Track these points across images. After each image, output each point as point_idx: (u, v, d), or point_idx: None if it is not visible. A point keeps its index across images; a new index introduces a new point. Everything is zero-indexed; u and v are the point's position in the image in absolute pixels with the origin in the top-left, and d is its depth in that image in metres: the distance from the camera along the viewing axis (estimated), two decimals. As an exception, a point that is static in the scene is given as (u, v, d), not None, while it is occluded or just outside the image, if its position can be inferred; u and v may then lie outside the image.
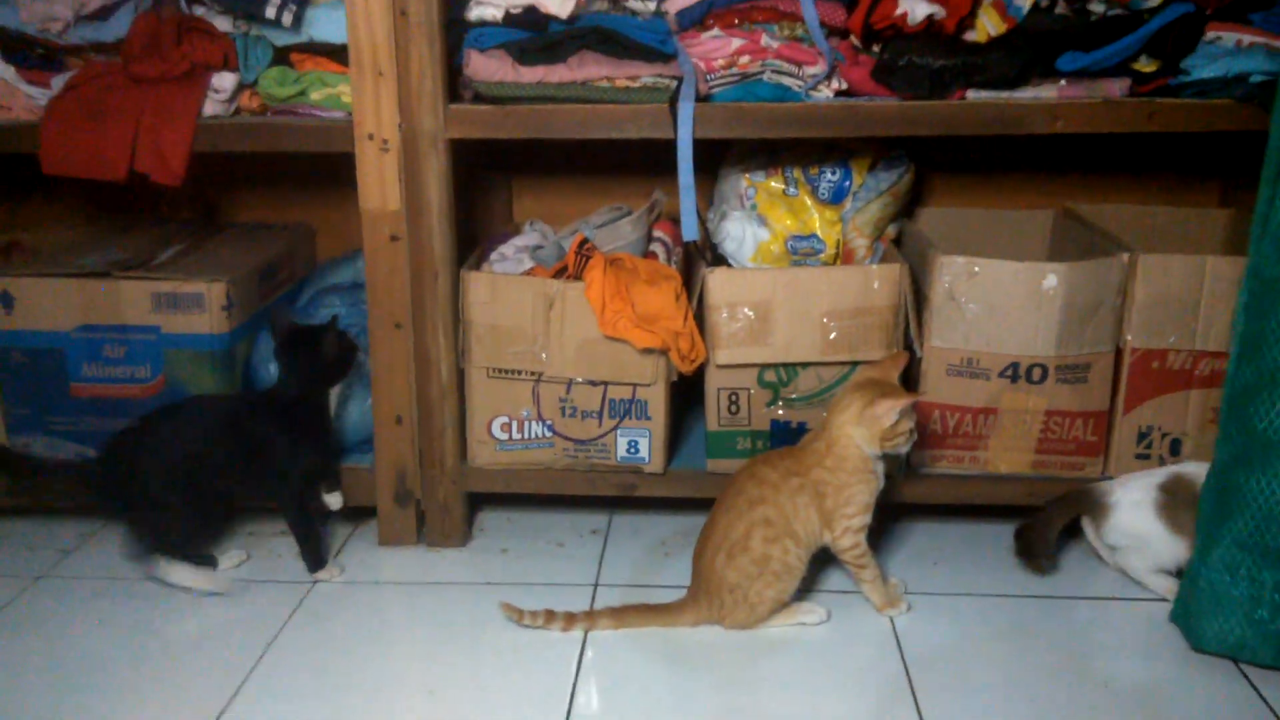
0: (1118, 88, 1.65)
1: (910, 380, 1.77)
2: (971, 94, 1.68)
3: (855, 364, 1.73)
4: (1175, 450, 1.74)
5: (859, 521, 1.55)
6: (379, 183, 1.71)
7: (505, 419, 1.79)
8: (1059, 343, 1.68)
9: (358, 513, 1.91)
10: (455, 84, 1.74)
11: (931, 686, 1.45)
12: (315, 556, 1.75)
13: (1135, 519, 1.62)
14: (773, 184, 1.90)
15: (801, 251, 1.88)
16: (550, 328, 1.73)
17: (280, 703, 1.44)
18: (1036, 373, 1.70)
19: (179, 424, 1.68)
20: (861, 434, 1.53)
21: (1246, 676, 1.46)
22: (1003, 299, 1.67)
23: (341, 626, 1.61)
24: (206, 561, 1.75)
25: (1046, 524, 1.68)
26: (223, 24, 1.80)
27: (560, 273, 1.76)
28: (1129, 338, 1.70)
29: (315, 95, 1.79)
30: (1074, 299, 1.66)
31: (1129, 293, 1.68)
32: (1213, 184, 2.14)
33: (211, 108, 1.78)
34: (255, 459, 1.70)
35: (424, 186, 1.70)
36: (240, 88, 1.81)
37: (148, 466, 1.65)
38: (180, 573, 1.68)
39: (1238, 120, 1.61)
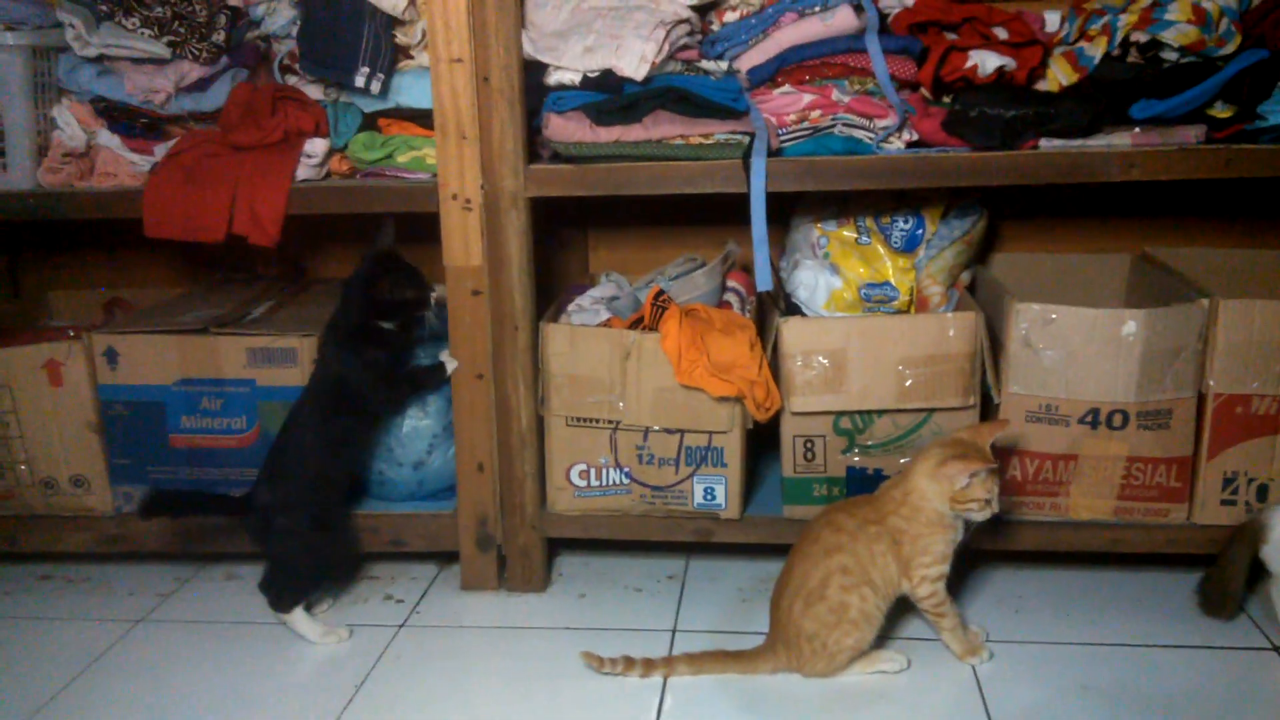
0: (1193, 134, 1.65)
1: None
2: (1044, 143, 1.69)
3: (931, 411, 1.74)
4: (1262, 496, 1.70)
5: (935, 571, 1.55)
6: (463, 240, 1.77)
7: (583, 466, 1.83)
8: (1140, 389, 1.67)
9: (441, 556, 1.96)
10: (534, 145, 1.80)
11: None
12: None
13: None
14: (845, 233, 1.92)
15: (875, 299, 1.89)
16: (627, 377, 1.77)
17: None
18: (1117, 419, 1.69)
19: (294, 427, 1.78)
20: (934, 490, 1.54)
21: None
22: (1080, 345, 1.67)
23: (426, 671, 1.65)
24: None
25: (1224, 567, 1.64)
26: (314, 92, 1.90)
27: (636, 323, 1.80)
28: (1211, 383, 1.68)
29: (401, 158, 1.86)
30: (1154, 345, 1.65)
31: (1210, 338, 1.67)
32: (1294, 226, 2.11)
33: (304, 172, 1.87)
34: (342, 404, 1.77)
35: (504, 243, 1.76)
36: (331, 152, 1.90)
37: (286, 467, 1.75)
38: (306, 625, 1.75)
39: (1315, 164, 1.59)
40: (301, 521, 1.73)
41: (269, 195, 1.82)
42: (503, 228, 1.76)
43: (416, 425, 1.90)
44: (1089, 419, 1.70)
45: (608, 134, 1.71)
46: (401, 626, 1.79)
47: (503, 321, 1.79)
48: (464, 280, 1.79)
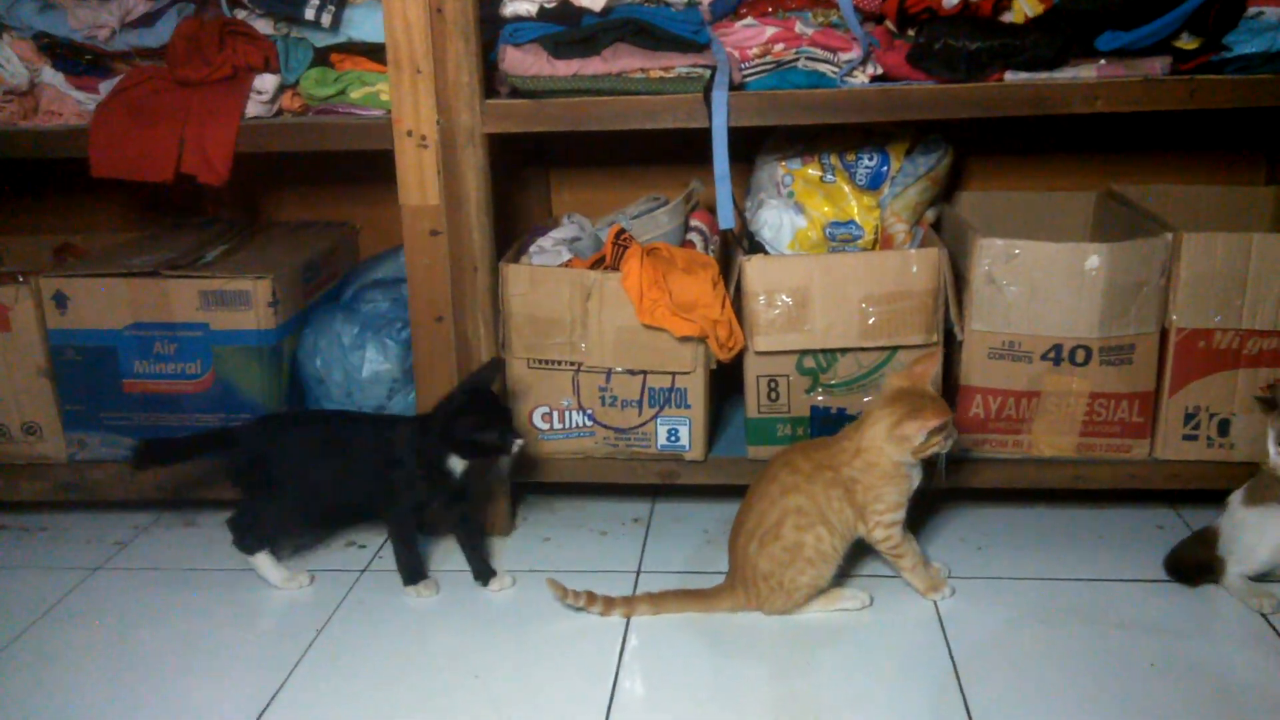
0: (1159, 66, 1.63)
1: (951, 367, 1.76)
2: (1009, 75, 1.66)
3: (895, 349, 1.73)
4: (1223, 431, 1.71)
5: (890, 517, 1.55)
6: (418, 179, 1.73)
7: (546, 409, 1.81)
8: (1102, 324, 1.66)
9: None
10: (492, 80, 1.76)
11: (976, 670, 1.45)
12: (406, 567, 1.71)
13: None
14: (810, 171, 1.90)
15: (840, 238, 1.88)
16: (589, 318, 1.75)
17: (328, 688, 1.46)
18: (1080, 354, 1.68)
19: (326, 426, 1.74)
20: (893, 449, 1.52)
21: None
22: (1044, 281, 1.66)
23: (388, 615, 1.64)
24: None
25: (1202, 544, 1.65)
26: (263, 27, 1.84)
27: (598, 263, 1.78)
28: (1174, 318, 1.68)
29: (355, 94, 1.82)
30: (1117, 279, 1.65)
31: (1173, 272, 1.66)
32: (1259, 161, 2.10)
33: (254, 109, 1.82)
34: (377, 475, 1.68)
35: (462, 181, 1.72)
36: (282, 89, 1.84)
37: (284, 454, 1.70)
38: (270, 569, 1.72)
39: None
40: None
41: (218, 133, 1.77)
42: (460, 165, 1.72)
43: (377, 370, 1.87)
44: (1052, 355, 1.69)
45: (566, 67, 1.67)
46: (364, 572, 1.77)
47: (462, 263, 1.76)
48: (421, 220, 1.74)
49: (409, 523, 1.70)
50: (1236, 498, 1.60)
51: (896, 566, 1.60)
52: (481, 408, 1.64)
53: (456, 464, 1.66)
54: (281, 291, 1.85)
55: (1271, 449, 1.50)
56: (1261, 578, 1.59)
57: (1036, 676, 1.43)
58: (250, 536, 1.71)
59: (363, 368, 1.86)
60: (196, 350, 1.84)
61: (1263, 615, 1.54)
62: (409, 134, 1.71)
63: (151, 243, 2.04)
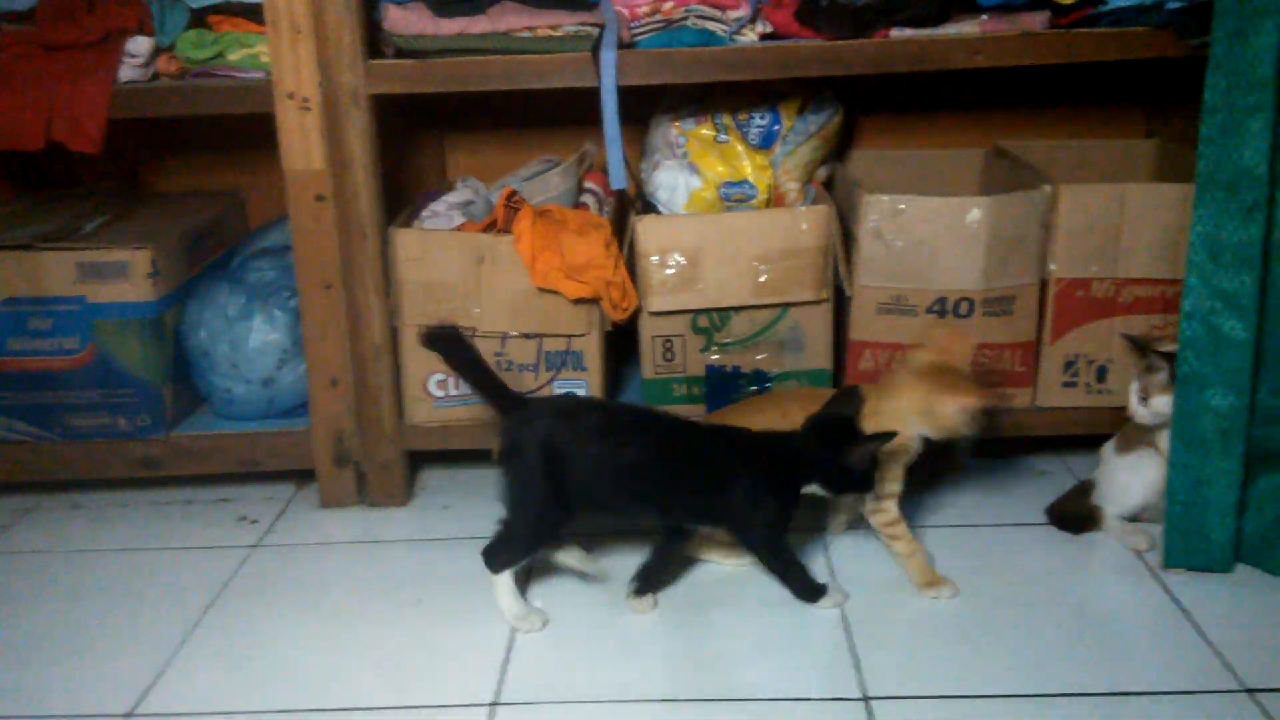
0: (1038, 20, 1.65)
1: (841, 322, 1.78)
2: (895, 32, 1.67)
3: (787, 306, 1.74)
4: (1101, 378, 1.76)
5: (890, 488, 1.51)
6: (301, 142, 1.69)
7: (441, 376, 1.79)
8: (984, 276, 1.69)
9: (298, 475, 1.91)
10: (377, 41, 1.72)
11: (866, 620, 1.48)
12: (807, 587, 1.52)
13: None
14: (703, 131, 1.90)
15: (734, 198, 1.88)
16: (481, 282, 1.73)
17: (218, 664, 1.44)
18: (964, 307, 1.72)
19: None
20: (920, 424, 1.47)
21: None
22: (928, 235, 1.68)
23: (282, 589, 1.61)
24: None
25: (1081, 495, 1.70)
26: (136, -14, 1.77)
27: (490, 227, 1.75)
28: (1053, 268, 1.72)
29: (233, 56, 1.76)
30: (998, 232, 1.68)
31: (1052, 224, 1.70)
32: (1138, 115, 2.16)
33: (128, 73, 1.75)
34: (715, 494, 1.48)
35: (347, 144, 1.68)
36: (156, 51, 1.78)
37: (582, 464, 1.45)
38: (511, 600, 1.50)
39: (1155, 47, 1.62)
40: None
41: (89, 98, 1.70)
42: (344, 128, 1.68)
43: (264, 340, 1.82)
44: (937, 308, 1.72)
45: (450, 26, 1.64)
46: (255, 547, 1.74)
47: (350, 228, 1.72)
48: (305, 185, 1.70)
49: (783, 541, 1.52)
50: (1109, 447, 1.67)
51: (890, 549, 1.54)
52: (863, 442, 1.44)
53: (815, 490, 1.49)
54: (162, 262, 1.79)
55: (1134, 399, 1.55)
56: (1136, 518, 1.64)
57: (924, 624, 1.47)
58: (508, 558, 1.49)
59: (249, 339, 1.81)
60: (74, 325, 1.77)
61: (1137, 553, 1.60)
62: (290, 96, 1.67)
63: (26, 216, 1.96)
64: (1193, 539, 1.53)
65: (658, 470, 1.46)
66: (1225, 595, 1.49)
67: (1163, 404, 1.53)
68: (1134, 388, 1.57)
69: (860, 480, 1.45)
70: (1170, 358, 1.52)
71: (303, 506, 1.86)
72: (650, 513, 1.53)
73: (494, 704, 1.35)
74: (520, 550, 1.49)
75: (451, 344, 1.48)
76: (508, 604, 1.49)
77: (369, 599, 1.58)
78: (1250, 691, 1.30)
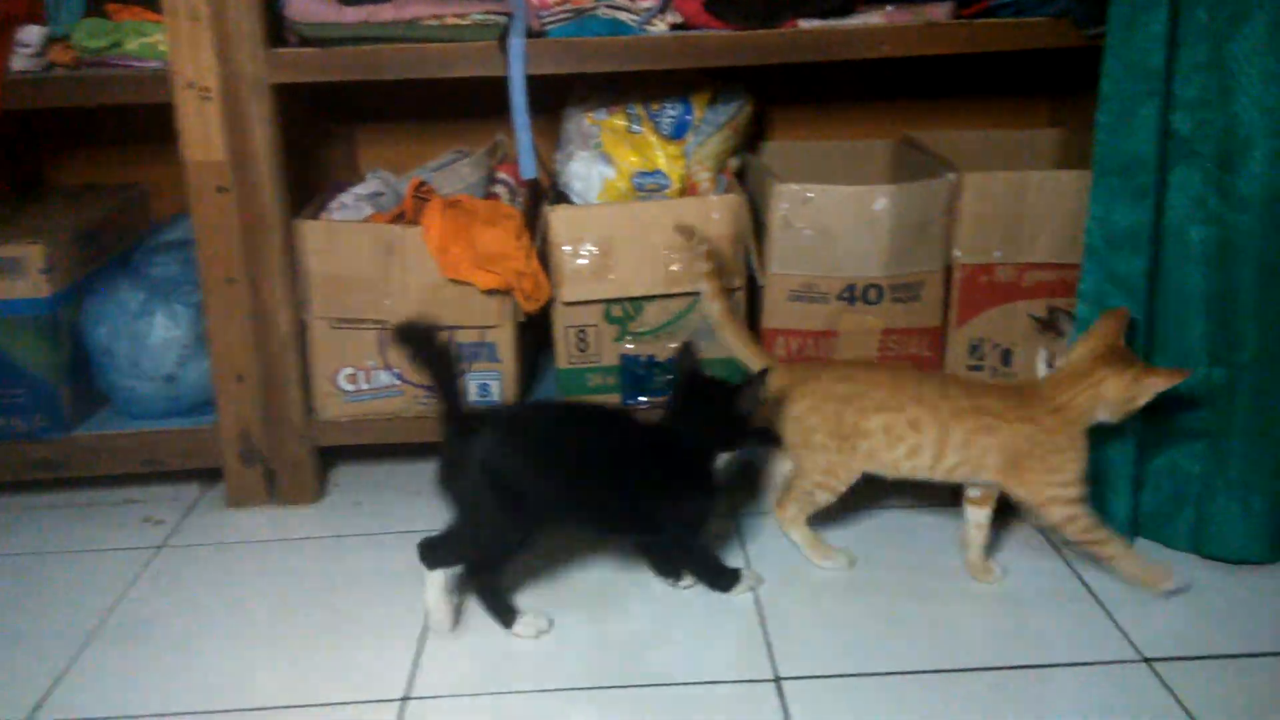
0: (941, 11, 1.69)
1: (755, 310, 1.80)
2: (803, 23, 1.69)
3: (699, 294, 1.74)
4: (1006, 361, 1.80)
5: (1074, 492, 1.45)
6: (202, 132, 1.65)
7: (351, 370, 1.76)
8: (892, 263, 1.72)
9: (205, 474, 1.86)
10: (281, 30, 1.68)
11: (780, 607, 1.49)
12: (724, 575, 1.52)
13: None
14: (616, 122, 1.89)
15: (647, 188, 1.88)
16: (391, 274, 1.70)
17: (121, 666, 1.40)
18: (872, 293, 1.74)
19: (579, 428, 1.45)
20: (1111, 404, 1.43)
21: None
22: (836, 223, 1.70)
23: (189, 590, 1.57)
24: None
25: None
26: (27, -26, 1.71)
27: (398, 218, 1.73)
28: (958, 254, 1.75)
29: (131, 45, 1.71)
30: (904, 219, 1.70)
31: (956, 210, 1.73)
32: (1043, 105, 2.21)
33: (20, 63, 1.69)
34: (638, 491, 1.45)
35: (249, 135, 1.65)
36: (50, 41, 1.72)
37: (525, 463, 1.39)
38: (437, 599, 1.44)
39: (1054, 37, 1.65)
40: None
41: (-25, 87, 1.64)
42: (246, 118, 1.64)
43: (166, 336, 1.77)
44: (846, 295, 1.74)
45: (354, 14, 1.62)
46: (161, 548, 1.69)
47: (253, 221, 1.68)
48: (206, 176, 1.66)
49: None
50: None
51: (1100, 554, 1.47)
52: (719, 393, 1.45)
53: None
54: (56, 258, 1.73)
55: (1041, 366, 1.58)
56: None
57: (836, 606, 1.49)
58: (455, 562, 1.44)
59: (151, 335, 1.76)
60: (-37, 324, 1.71)
61: (1042, 533, 1.64)
62: (189, 86, 1.63)
63: (-86, 211, 1.89)
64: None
65: (607, 479, 1.43)
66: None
67: None
68: (1042, 354, 1.59)
69: (749, 427, 1.46)
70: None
71: (210, 506, 1.82)
72: (601, 525, 1.51)
73: (405, 699, 1.33)
74: (462, 559, 1.44)
75: (425, 342, 1.37)
76: (434, 603, 1.43)
77: (279, 598, 1.55)
78: (1148, 661, 1.34)
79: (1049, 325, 1.63)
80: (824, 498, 1.54)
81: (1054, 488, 1.44)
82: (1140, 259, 1.47)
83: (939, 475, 1.49)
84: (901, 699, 1.29)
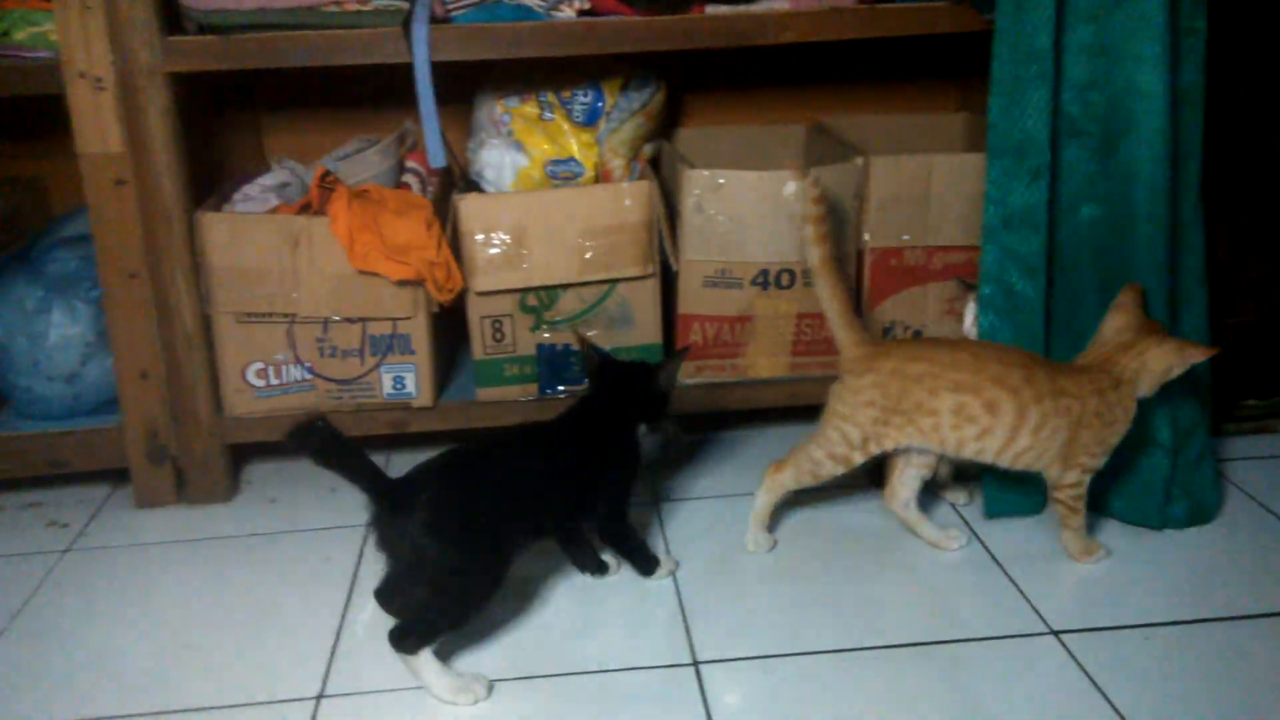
0: (848, -4, 1.70)
1: (670, 297, 1.80)
2: (710, 8, 1.69)
3: (614, 282, 1.74)
4: (917, 342, 1.83)
5: (1099, 462, 1.49)
6: (96, 124, 1.60)
7: (260, 365, 1.73)
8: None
9: (112, 475, 1.81)
10: (179, 17, 1.64)
11: (700, 593, 1.50)
12: (648, 559, 1.52)
13: None
14: (528, 109, 1.88)
15: (561, 176, 1.87)
16: (298, 266, 1.67)
17: (26, 671, 1.36)
18: (785, 278, 1.75)
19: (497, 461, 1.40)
20: (1153, 374, 1.46)
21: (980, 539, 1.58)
22: (748, 209, 1.71)
23: (97, 594, 1.54)
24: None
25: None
26: (-96, -40, 1.64)
27: (304, 209, 1.70)
28: (867, 238, 1.77)
29: (19, 35, 1.65)
30: (814, 204, 1.72)
31: (865, 195, 1.75)
32: (951, 90, 2.24)
33: (-100, 54, 1.63)
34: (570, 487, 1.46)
35: (146, 126, 1.60)
36: (-67, 30, 1.66)
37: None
38: (442, 678, 1.30)
39: (955, 21, 1.67)
40: None
41: None
42: (142, 108, 1.59)
43: (66, 334, 1.72)
44: (760, 280, 1.75)
45: (252, 0, 1.58)
46: (66, 552, 1.65)
47: (153, 214, 1.64)
48: (103, 169, 1.62)
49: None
50: None
51: (1067, 519, 1.52)
52: (630, 374, 1.52)
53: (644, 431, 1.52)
54: (-55, 256, 1.68)
55: (968, 319, 1.60)
56: (959, 475, 1.71)
57: (755, 588, 1.50)
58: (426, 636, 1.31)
59: (49, 333, 1.71)
60: None
61: (954, 507, 1.67)
62: (81, 76, 1.58)
63: None
64: (1008, 490, 1.61)
65: (542, 486, 1.42)
66: (1035, 546, 1.57)
67: None
68: (969, 309, 1.62)
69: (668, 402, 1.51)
70: None
71: (118, 507, 1.78)
72: (546, 529, 1.49)
73: (319, 697, 1.31)
74: (442, 628, 1.32)
75: (320, 438, 1.26)
76: (434, 681, 1.29)
77: (190, 599, 1.52)
78: (1056, 633, 1.38)
79: (973, 288, 1.66)
80: (830, 469, 1.52)
81: (1091, 457, 1.48)
82: (1037, 238, 1.50)
83: (1004, 460, 1.48)
84: (817, 678, 1.31)
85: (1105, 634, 1.37)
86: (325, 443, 1.26)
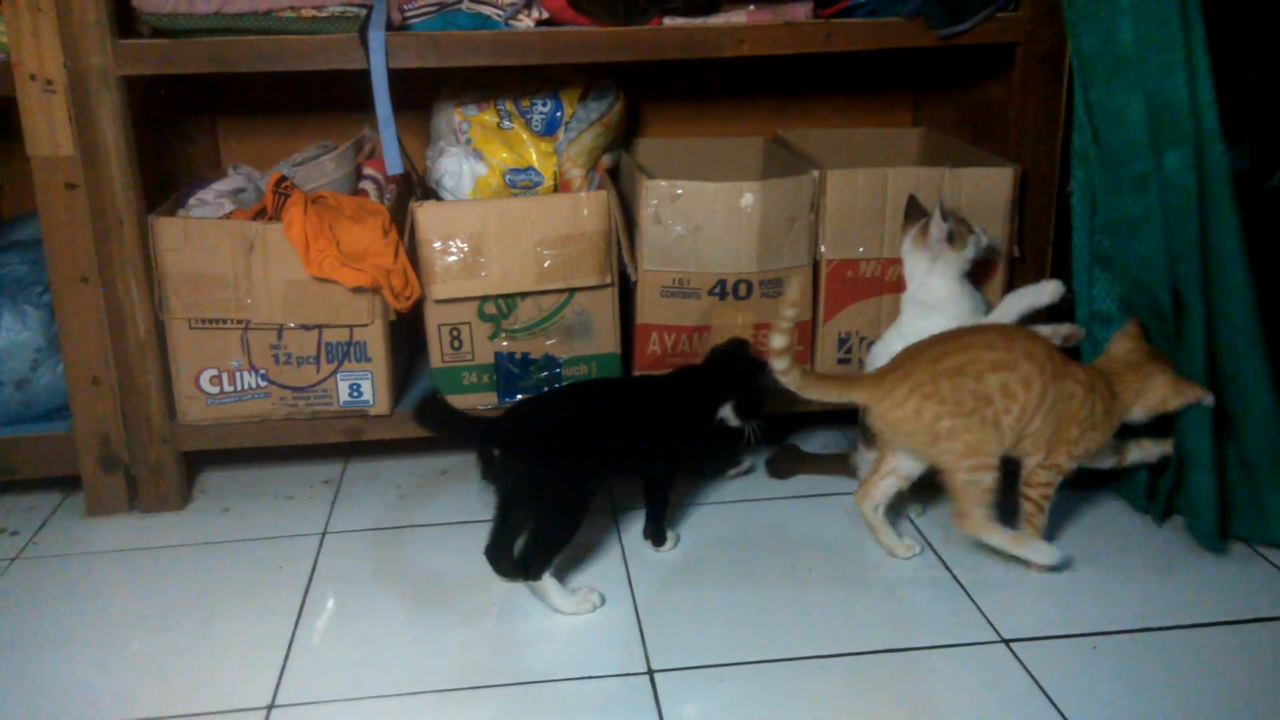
0: (801, 11, 1.72)
1: (629, 306, 1.80)
2: (667, 20, 1.70)
3: (572, 291, 1.75)
4: (873, 353, 1.85)
5: (1073, 466, 1.53)
6: (47, 127, 1.58)
7: (214, 371, 1.71)
8: (760, 259, 1.74)
9: (64, 482, 1.79)
10: (133, 21, 1.63)
11: (654, 602, 1.50)
12: (660, 533, 1.63)
13: None
14: (487, 118, 1.88)
15: (520, 185, 1.87)
16: (253, 272, 1.66)
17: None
18: (742, 289, 1.76)
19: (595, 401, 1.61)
20: (1149, 401, 1.53)
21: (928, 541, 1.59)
22: (706, 219, 1.72)
23: (46, 603, 1.51)
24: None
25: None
26: None
27: (259, 214, 1.69)
28: (823, 250, 1.78)
29: (-30, 36, 1.63)
30: (771, 215, 1.73)
31: (820, 207, 1.77)
32: (906, 104, 2.27)
33: None
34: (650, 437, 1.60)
35: (98, 129, 1.59)
36: (-123, 32, 1.63)
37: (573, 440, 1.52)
38: (564, 596, 1.48)
39: (907, 37, 1.70)
40: None
41: None
42: (94, 111, 1.58)
43: (15, 339, 1.70)
44: (717, 290, 1.76)
45: (207, 4, 1.57)
46: (15, 560, 1.62)
47: (105, 218, 1.62)
48: (54, 172, 1.60)
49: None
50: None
51: (1034, 517, 1.54)
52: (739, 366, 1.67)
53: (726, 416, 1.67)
54: (-109, 258, 1.65)
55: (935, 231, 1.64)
56: (916, 487, 1.73)
57: (712, 597, 1.51)
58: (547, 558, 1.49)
59: (-2, 338, 1.69)
60: None
61: (911, 519, 1.68)
62: (32, 78, 1.56)
63: None
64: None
65: (636, 420, 1.60)
66: (987, 557, 1.58)
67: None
68: (936, 222, 1.65)
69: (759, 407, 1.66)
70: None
71: (69, 515, 1.75)
72: (621, 469, 1.65)
73: (270, 706, 1.30)
74: (554, 550, 1.48)
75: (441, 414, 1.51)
76: (559, 599, 1.47)
77: (141, 608, 1.50)
78: (1006, 642, 1.39)
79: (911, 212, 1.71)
80: (988, 479, 1.48)
81: (1069, 457, 1.51)
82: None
83: (1024, 446, 1.51)
84: (772, 686, 1.32)
85: (1056, 642, 1.39)
86: (442, 415, 1.51)
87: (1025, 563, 1.54)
